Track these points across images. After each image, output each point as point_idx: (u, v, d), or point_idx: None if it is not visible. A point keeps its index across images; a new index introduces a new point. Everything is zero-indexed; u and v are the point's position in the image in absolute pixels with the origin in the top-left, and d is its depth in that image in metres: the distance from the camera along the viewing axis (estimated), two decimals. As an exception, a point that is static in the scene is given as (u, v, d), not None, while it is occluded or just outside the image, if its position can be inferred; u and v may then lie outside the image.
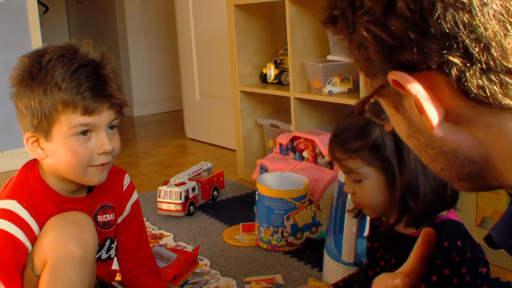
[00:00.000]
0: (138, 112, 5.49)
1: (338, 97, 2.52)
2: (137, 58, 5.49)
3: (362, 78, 0.68)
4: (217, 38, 3.81)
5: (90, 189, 1.47)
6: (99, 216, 1.48)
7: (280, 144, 2.67)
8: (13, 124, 3.25)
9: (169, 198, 2.53)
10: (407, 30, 0.55)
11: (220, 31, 3.69)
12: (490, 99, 0.55)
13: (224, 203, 2.77)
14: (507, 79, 0.54)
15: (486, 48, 0.53)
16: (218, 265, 2.06)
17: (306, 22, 2.70)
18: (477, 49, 0.53)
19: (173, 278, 1.84)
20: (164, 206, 2.55)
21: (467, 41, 0.53)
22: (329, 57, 2.59)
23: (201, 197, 2.67)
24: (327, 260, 1.85)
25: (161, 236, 2.36)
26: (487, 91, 0.54)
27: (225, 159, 3.67)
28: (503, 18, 0.52)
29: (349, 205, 1.58)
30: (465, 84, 0.55)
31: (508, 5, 0.52)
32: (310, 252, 2.12)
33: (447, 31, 0.53)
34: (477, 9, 0.52)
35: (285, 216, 2.11)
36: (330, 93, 2.55)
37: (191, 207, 2.57)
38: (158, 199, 2.56)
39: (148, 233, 2.32)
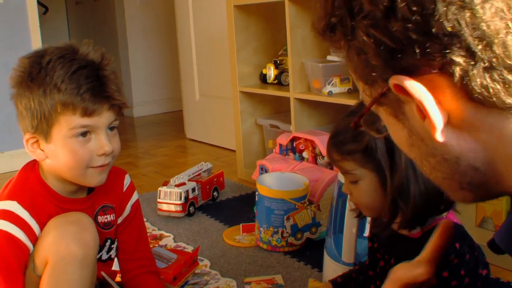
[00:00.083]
0: (138, 112, 5.49)
1: (338, 98, 2.52)
2: (137, 59, 5.49)
3: (360, 88, 0.67)
4: (217, 39, 3.81)
5: (90, 189, 1.47)
6: (99, 217, 1.48)
7: (280, 145, 2.67)
8: (12, 125, 3.25)
9: (169, 199, 2.53)
10: (408, 32, 0.54)
11: (220, 32, 3.70)
12: (494, 98, 0.54)
13: (224, 204, 2.77)
14: (510, 78, 0.54)
15: (489, 46, 0.53)
16: (218, 266, 2.06)
17: (306, 22, 2.70)
18: (480, 47, 0.53)
19: (173, 278, 1.84)
20: (164, 207, 2.55)
21: (470, 39, 0.53)
22: (329, 58, 2.59)
23: (201, 197, 2.67)
24: (327, 260, 1.85)
25: (161, 237, 2.36)
26: (490, 90, 0.54)
27: (225, 159, 3.67)
28: (504, 16, 0.52)
29: (351, 205, 1.58)
30: (469, 84, 0.54)
31: (509, 2, 0.52)
32: (310, 252, 2.12)
33: (450, 30, 0.53)
34: (478, 6, 0.52)
35: (285, 217, 2.11)
36: (330, 93, 2.55)
37: (191, 208, 2.57)
38: (158, 200, 2.56)
39: (148, 234, 2.32)
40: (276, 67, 3.02)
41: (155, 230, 2.44)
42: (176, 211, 2.53)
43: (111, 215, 1.51)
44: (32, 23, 3.69)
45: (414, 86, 0.56)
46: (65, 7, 6.60)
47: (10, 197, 1.34)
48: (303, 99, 2.74)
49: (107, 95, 1.33)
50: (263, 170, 2.56)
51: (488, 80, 0.54)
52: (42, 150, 1.36)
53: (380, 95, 0.61)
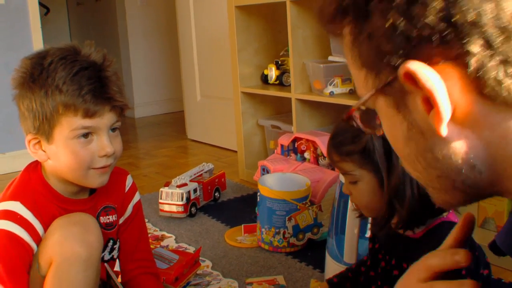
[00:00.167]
0: (139, 113, 5.49)
1: (339, 98, 2.52)
2: (138, 59, 5.49)
3: (358, 78, 0.65)
4: (218, 39, 3.81)
5: (92, 190, 1.47)
6: (101, 218, 1.48)
7: (282, 145, 2.67)
8: (14, 126, 3.25)
9: (171, 200, 2.54)
10: (429, 18, 0.53)
11: (221, 32, 3.70)
12: (505, 93, 0.54)
13: (225, 204, 2.77)
14: None
15: (508, 39, 0.52)
16: (220, 266, 2.06)
17: (307, 23, 2.70)
18: (499, 39, 0.52)
19: (175, 279, 1.84)
20: (166, 208, 2.55)
21: (490, 30, 0.52)
22: (330, 58, 2.59)
23: (202, 198, 2.67)
24: (329, 261, 1.85)
25: (162, 238, 2.36)
26: (503, 85, 0.54)
27: (226, 160, 3.67)
28: None
29: (353, 205, 1.59)
30: (482, 77, 0.54)
31: None
32: (311, 253, 2.12)
33: (472, 19, 0.52)
34: None
35: (286, 217, 2.11)
36: (331, 94, 2.54)
37: (192, 209, 2.57)
38: (160, 201, 2.57)
39: (149, 235, 2.33)
40: (278, 68, 3.02)
41: (156, 231, 2.44)
42: (177, 212, 2.53)
43: (113, 215, 1.52)
44: (33, 23, 3.70)
45: (428, 75, 0.55)
46: (66, 8, 6.60)
47: (13, 197, 1.35)
48: (304, 99, 2.74)
49: (108, 96, 1.33)
50: (265, 170, 2.56)
51: (503, 74, 0.53)
52: (44, 151, 1.36)
53: (385, 84, 0.60)
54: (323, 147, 2.38)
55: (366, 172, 1.29)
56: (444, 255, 0.78)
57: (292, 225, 2.12)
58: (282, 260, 2.09)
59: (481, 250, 1.22)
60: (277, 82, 3.02)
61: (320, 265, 1.97)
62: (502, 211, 1.91)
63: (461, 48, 0.53)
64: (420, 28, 0.54)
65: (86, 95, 1.29)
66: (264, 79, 3.10)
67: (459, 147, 0.59)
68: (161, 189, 2.58)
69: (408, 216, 1.23)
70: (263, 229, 2.16)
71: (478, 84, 0.54)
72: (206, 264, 2.07)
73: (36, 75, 1.30)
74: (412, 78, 0.56)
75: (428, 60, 0.55)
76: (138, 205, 1.60)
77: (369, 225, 1.58)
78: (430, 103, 0.57)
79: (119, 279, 1.60)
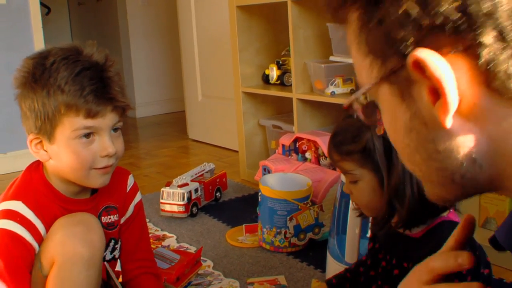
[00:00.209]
0: (140, 113, 5.49)
1: (340, 98, 2.51)
2: (139, 59, 5.49)
3: (360, 66, 0.64)
4: (219, 39, 3.81)
5: (94, 190, 1.48)
6: (103, 217, 1.48)
7: (283, 145, 2.67)
8: (15, 126, 3.26)
9: (172, 199, 2.54)
10: (443, 7, 0.53)
11: (222, 32, 3.70)
12: None
13: (226, 204, 2.77)
14: None
15: None
16: (221, 266, 2.06)
17: (309, 23, 2.70)
18: None
19: (176, 279, 1.84)
20: (167, 207, 2.55)
21: (505, 23, 0.52)
22: (331, 58, 2.59)
23: (203, 198, 2.67)
24: (330, 261, 1.85)
25: (164, 237, 2.36)
26: None
27: (228, 160, 3.67)
28: None
29: (353, 204, 1.59)
30: (492, 69, 0.53)
31: None
32: (313, 253, 2.13)
33: (488, 10, 0.52)
34: None
35: (288, 217, 2.11)
36: (332, 94, 2.54)
37: (194, 208, 2.57)
38: (161, 201, 2.57)
39: (151, 234, 2.33)
40: (279, 68, 3.02)
41: (158, 230, 2.44)
42: (179, 212, 2.53)
43: (115, 215, 1.52)
44: (34, 23, 3.70)
45: (438, 64, 0.54)
46: (68, 8, 6.61)
47: (15, 197, 1.35)
48: (305, 99, 2.74)
49: (110, 96, 1.33)
50: (266, 170, 2.56)
51: None
52: (46, 151, 1.36)
53: (392, 72, 0.59)
54: (324, 147, 2.38)
55: (366, 171, 1.29)
56: (447, 258, 0.77)
57: (293, 225, 2.12)
58: (283, 260, 2.09)
59: (482, 250, 1.22)
60: (278, 82, 3.02)
61: (321, 265, 1.97)
62: (504, 211, 1.91)
63: (474, 39, 0.53)
64: (434, 16, 0.53)
65: (88, 95, 1.29)
66: (265, 79, 3.10)
67: (462, 140, 0.58)
68: (162, 189, 2.58)
69: (408, 215, 1.23)
70: (264, 229, 2.16)
71: (487, 76, 0.54)
72: (207, 264, 2.07)
73: (38, 75, 1.30)
74: (420, 67, 0.55)
75: (439, 49, 0.54)
76: (139, 205, 1.60)
77: (370, 225, 1.58)
78: (436, 93, 0.56)
79: (120, 279, 1.60)
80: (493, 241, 0.71)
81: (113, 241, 1.52)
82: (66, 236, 1.32)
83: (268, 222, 2.15)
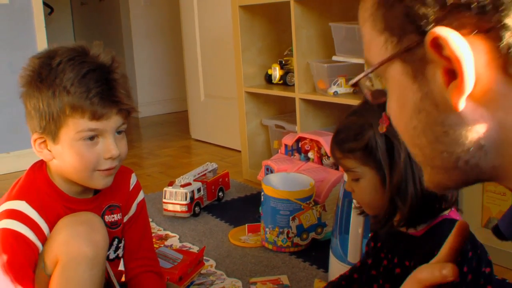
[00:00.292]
0: (142, 113, 5.49)
1: (343, 98, 2.51)
2: (142, 59, 5.50)
3: (373, 47, 0.63)
4: (222, 39, 3.81)
5: (97, 189, 1.48)
6: (106, 216, 1.48)
7: (286, 145, 2.67)
8: (19, 125, 3.27)
9: (175, 199, 2.54)
10: None
11: (225, 32, 3.70)
12: None
13: (229, 204, 2.77)
14: None
15: None
16: (223, 266, 2.06)
17: (311, 22, 2.70)
18: None
19: (179, 279, 1.84)
20: (170, 207, 2.55)
21: None
22: (334, 58, 2.59)
23: (206, 198, 2.67)
24: (332, 261, 1.85)
25: (166, 237, 2.36)
26: None
27: (230, 160, 3.67)
28: None
29: (355, 202, 1.59)
30: None
31: None
32: (315, 253, 2.13)
33: None
34: None
35: (290, 217, 2.11)
36: (335, 93, 2.54)
37: (196, 208, 2.58)
38: (164, 200, 2.57)
39: (153, 234, 2.33)
40: (281, 68, 3.02)
41: (160, 230, 2.44)
42: (181, 211, 2.53)
43: (118, 214, 1.52)
44: (37, 23, 3.70)
45: (459, 43, 0.53)
46: (70, 8, 6.61)
47: (18, 197, 1.35)
48: (308, 99, 2.74)
49: (116, 99, 1.33)
50: (269, 170, 2.56)
51: None
52: (49, 151, 1.36)
53: (407, 49, 0.58)
54: (327, 147, 2.38)
55: (368, 169, 1.29)
56: (433, 269, 0.78)
57: (296, 225, 2.12)
58: (286, 259, 2.09)
59: (483, 248, 1.22)
60: (281, 82, 3.02)
61: (324, 265, 1.97)
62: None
63: (498, 21, 0.52)
64: None
65: (94, 97, 1.29)
66: (268, 79, 3.10)
67: (472, 125, 0.58)
68: (165, 189, 2.58)
69: (410, 213, 1.23)
70: (267, 229, 2.17)
71: (506, 61, 0.53)
72: (210, 264, 2.08)
73: (44, 75, 1.30)
74: (438, 45, 0.54)
75: (459, 29, 0.54)
76: (142, 204, 1.61)
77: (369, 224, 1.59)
78: (450, 75, 0.56)
79: (123, 278, 1.61)
80: (496, 231, 0.71)
81: (116, 240, 1.53)
82: (70, 236, 1.32)
83: (270, 221, 2.15)
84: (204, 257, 2.07)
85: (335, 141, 1.35)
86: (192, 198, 2.54)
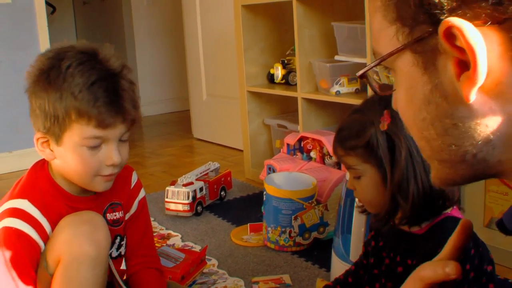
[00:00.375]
0: (145, 112, 5.49)
1: (345, 97, 2.52)
2: (144, 58, 5.50)
3: (383, 37, 0.62)
4: (224, 38, 3.81)
5: None
6: (108, 214, 1.49)
7: (288, 144, 2.67)
8: (21, 125, 3.28)
9: (177, 198, 2.54)
10: None
11: (227, 31, 3.70)
12: None
13: (231, 203, 2.77)
14: None
15: None
16: (226, 265, 2.06)
17: (314, 22, 2.70)
18: None
19: (181, 278, 1.84)
20: (172, 206, 2.55)
21: None
22: (336, 57, 2.59)
23: (208, 197, 2.67)
24: (335, 260, 1.85)
25: (168, 236, 2.36)
26: None
27: (232, 159, 3.67)
28: None
29: (358, 201, 1.60)
30: None
31: None
32: (317, 252, 2.13)
33: None
34: None
35: (292, 216, 2.11)
36: (337, 93, 2.54)
37: (198, 207, 2.58)
38: (166, 199, 2.57)
39: (155, 233, 2.34)
40: (284, 67, 3.02)
41: (162, 229, 2.44)
42: (183, 211, 2.53)
43: (120, 212, 1.52)
44: (40, 23, 3.70)
45: (473, 33, 0.53)
46: (73, 7, 6.62)
47: (21, 195, 1.35)
48: (310, 99, 2.74)
49: (123, 110, 1.33)
50: (271, 169, 2.56)
51: None
52: (52, 151, 1.36)
53: (419, 39, 0.58)
54: (329, 146, 2.38)
55: (369, 166, 1.29)
56: (435, 267, 0.77)
57: (298, 224, 2.12)
58: (288, 259, 2.09)
59: (485, 247, 1.22)
60: (283, 81, 3.02)
61: (326, 264, 1.97)
62: (509, 211, 1.90)
63: None
64: None
65: (101, 107, 1.29)
66: (270, 78, 3.10)
67: (481, 118, 0.57)
68: (167, 188, 2.58)
69: (412, 211, 1.23)
70: (269, 228, 2.17)
71: None
72: (212, 263, 2.08)
73: (53, 77, 1.29)
74: (451, 36, 0.54)
75: (473, 19, 0.53)
76: (143, 201, 1.61)
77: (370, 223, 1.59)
78: (462, 66, 0.55)
79: (125, 277, 1.61)
80: (500, 225, 0.71)
81: (118, 238, 1.53)
82: (72, 235, 1.32)
83: (273, 221, 2.15)
84: (206, 256, 2.06)
85: (338, 139, 1.36)
86: (194, 198, 2.54)
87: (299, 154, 2.62)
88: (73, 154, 1.33)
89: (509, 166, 0.60)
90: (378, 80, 0.69)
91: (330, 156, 2.43)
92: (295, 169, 2.43)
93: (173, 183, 2.62)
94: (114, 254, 1.52)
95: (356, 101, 2.41)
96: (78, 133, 1.31)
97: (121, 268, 1.59)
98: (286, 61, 3.03)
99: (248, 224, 2.38)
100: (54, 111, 1.30)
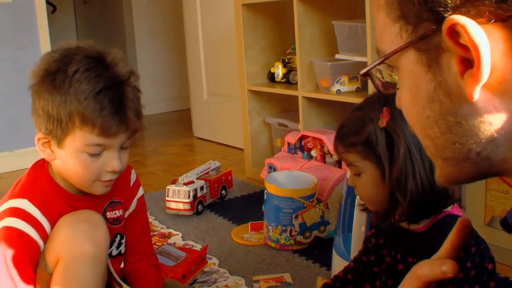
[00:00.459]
0: (145, 111, 5.41)
1: (346, 96, 2.51)
2: (145, 58, 5.50)
3: (386, 35, 0.62)
4: (225, 37, 3.81)
5: None
6: (108, 213, 1.49)
7: (288, 143, 2.67)
8: (22, 124, 3.27)
9: (178, 197, 2.54)
10: None
11: (228, 30, 3.70)
12: None
13: (232, 202, 2.77)
14: None
15: None
16: (226, 264, 2.06)
17: (314, 21, 2.70)
18: None
19: (182, 276, 1.84)
20: (173, 205, 2.55)
21: None
22: (337, 56, 2.59)
23: (209, 196, 2.67)
24: (336, 259, 1.85)
25: (169, 235, 2.36)
26: None
27: (233, 158, 3.67)
28: None
29: (359, 198, 1.60)
30: None
31: None
32: (318, 251, 2.12)
33: None
34: None
35: (293, 215, 2.11)
36: (338, 92, 2.54)
37: (199, 206, 2.58)
38: (167, 198, 2.57)
39: (156, 232, 2.34)
40: (284, 66, 3.02)
41: (163, 228, 2.44)
42: (184, 210, 2.53)
43: (120, 210, 1.52)
44: (40, 22, 3.70)
45: (476, 31, 0.53)
46: (73, 6, 6.62)
47: (21, 195, 1.35)
48: (311, 97, 2.74)
49: (127, 120, 1.33)
50: (272, 168, 2.56)
51: None
52: (52, 151, 1.36)
53: (422, 37, 0.58)
54: (330, 145, 2.38)
55: (369, 163, 1.30)
56: (432, 265, 0.77)
57: (299, 223, 2.12)
58: (289, 258, 2.09)
59: (486, 245, 1.22)
60: (284, 80, 3.02)
61: (327, 263, 1.97)
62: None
63: None
64: None
65: (106, 116, 1.29)
66: (271, 77, 3.10)
67: (485, 115, 0.57)
68: (168, 187, 2.58)
69: (410, 208, 1.24)
70: (270, 227, 2.17)
71: None
72: (213, 262, 2.08)
73: (58, 81, 1.29)
74: (455, 33, 0.54)
75: (477, 17, 0.53)
76: (142, 199, 1.62)
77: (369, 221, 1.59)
78: (465, 64, 0.55)
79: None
80: (504, 223, 0.71)
81: (118, 236, 1.53)
82: (72, 235, 1.33)
83: (273, 220, 2.15)
84: (207, 255, 2.06)
85: (338, 136, 1.37)
86: (195, 196, 2.54)
87: (299, 153, 2.62)
88: (74, 159, 1.34)
89: (511, 166, 0.60)
90: (381, 78, 0.69)
91: (331, 155, 2.43)
92: (296, 167, 2.43)
93: (173, 182, 2.62)
94: (114, 252, 1.52)
95: (357, 100, 2.40)
96: (80, 139, 1.31)
97: (121, 267, 1.60)
98: (286, 60, 3.03)
99: (249, 223, 2.38)
100: (57, 114, 1.30)
